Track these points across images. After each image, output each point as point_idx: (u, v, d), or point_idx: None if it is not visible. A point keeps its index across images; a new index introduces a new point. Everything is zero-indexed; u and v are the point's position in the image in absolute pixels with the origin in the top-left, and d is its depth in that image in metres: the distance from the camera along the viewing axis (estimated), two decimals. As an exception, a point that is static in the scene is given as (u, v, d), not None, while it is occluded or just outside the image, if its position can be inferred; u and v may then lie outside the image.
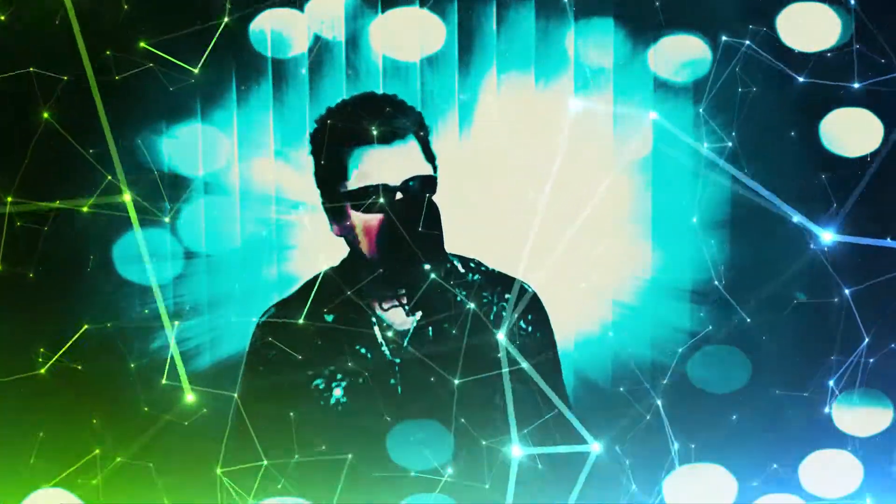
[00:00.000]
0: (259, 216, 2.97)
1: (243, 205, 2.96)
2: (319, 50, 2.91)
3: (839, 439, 2.69)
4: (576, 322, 2.96)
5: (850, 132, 2.74)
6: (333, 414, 2.14)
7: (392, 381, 2.12)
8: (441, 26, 2.91)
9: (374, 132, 2.05)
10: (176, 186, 2.91)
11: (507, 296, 2.21)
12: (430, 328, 2.13)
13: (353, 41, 2.93)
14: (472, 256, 2.23)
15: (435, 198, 2.05)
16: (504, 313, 2.19)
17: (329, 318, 2.18)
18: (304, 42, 2.91)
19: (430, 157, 2.14)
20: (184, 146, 2.92)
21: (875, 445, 2.68)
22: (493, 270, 2.23)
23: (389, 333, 2.15)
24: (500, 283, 2.23)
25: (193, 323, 2.96)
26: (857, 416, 2.69)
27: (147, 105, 2.84)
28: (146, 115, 2.86)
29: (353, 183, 2.04)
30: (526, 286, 2.23)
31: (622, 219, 3.01)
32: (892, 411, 2.69)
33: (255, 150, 2.96)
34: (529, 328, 2.20)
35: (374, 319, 2.16)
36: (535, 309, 2.25)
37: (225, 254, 2.95)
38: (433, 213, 2.00)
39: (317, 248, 2.97)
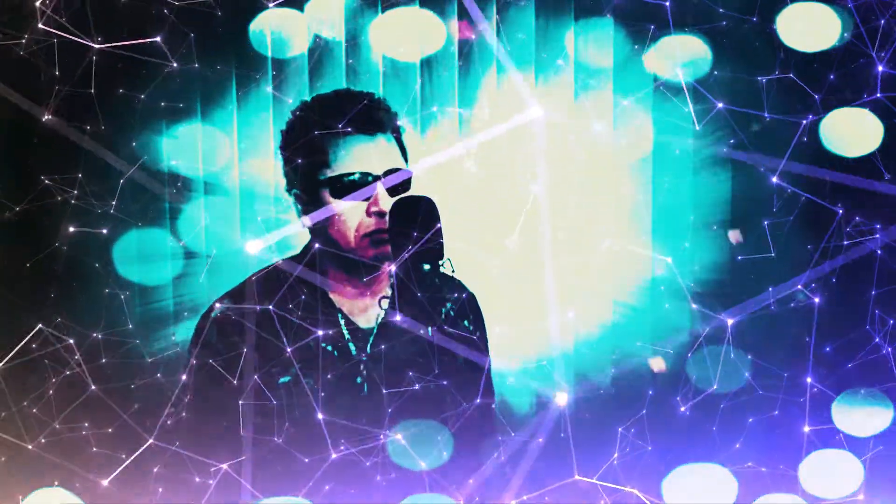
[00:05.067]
0: (259, 216, 2.97)
1: (243, 205, 2.96)
2: (320, 53, 2.91)
3: (839, 439, 2.69)
4: (576, 322, 2.96)
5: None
6: (294, 411, 2.12)
7: (358, 378, 2.11)
8: (441, 26, 2.91)
9: (359, 123, 2.07)
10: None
11: (454, 296, 2.29)
12: (395, 326, 2.13)
13: (353, 41, 2.93)
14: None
15: (435, 196, 2.06)
16: (452, 313, 2.26)
17: (294, 312, 2.15)
18: (305, 42, 2.91)
19: (404, 154, 2.19)
20: (184, 146, 2.92)
21: (875, 445, 2.68)
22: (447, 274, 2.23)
23: (354, 330, 2.16)
24: (450, 285, 2.29)
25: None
26: (857, 417, 2.68)
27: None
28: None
29: (335, 170, 2.05)
30: (466, 288, 2.30)
31: (622, 219, 3.01)
32: (892, 411, 2.69)
33: (255, 151, 2.96)
34: (471, 327, 2.24)
35: (340, 315, 2.16)
36: (475, 309, 2.36)
37: (225, 254, 2.95)
38: (430, 213, 2.00)
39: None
